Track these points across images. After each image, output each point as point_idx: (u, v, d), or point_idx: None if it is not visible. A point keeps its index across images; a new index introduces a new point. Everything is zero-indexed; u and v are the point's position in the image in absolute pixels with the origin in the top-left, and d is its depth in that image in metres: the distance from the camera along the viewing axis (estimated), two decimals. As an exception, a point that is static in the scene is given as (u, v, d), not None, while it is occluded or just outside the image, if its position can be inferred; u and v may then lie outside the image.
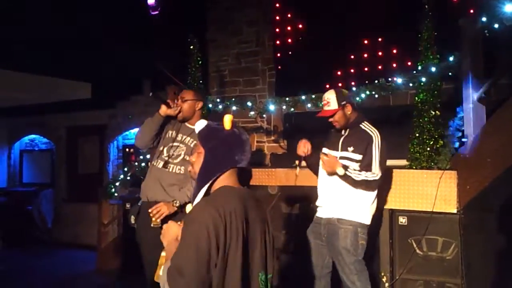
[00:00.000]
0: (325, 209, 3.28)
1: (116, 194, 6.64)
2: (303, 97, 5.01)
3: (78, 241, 8.12)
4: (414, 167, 3.89)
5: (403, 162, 4.01)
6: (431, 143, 3.86)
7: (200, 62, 5.42)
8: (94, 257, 6.67)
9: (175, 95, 3.38)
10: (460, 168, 3.66)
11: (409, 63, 4.97)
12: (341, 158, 3.17)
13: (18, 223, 8.28)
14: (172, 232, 1.82)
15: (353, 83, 4.97)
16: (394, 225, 3.82)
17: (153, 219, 3.01)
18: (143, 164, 6.31)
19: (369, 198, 3.17)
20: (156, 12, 5.04)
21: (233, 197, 1.72)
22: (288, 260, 4.34)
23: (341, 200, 3.17)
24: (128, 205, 5.76)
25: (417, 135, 3.92)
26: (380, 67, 5.45)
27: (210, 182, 1.78)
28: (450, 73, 4.01)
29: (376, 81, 4.40)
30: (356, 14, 5.57)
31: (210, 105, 5.53)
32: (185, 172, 3.12)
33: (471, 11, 4.69)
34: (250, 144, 1.88)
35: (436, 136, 3.88)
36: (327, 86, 4.26)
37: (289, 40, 6.42)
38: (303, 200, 3.99)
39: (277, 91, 6.23)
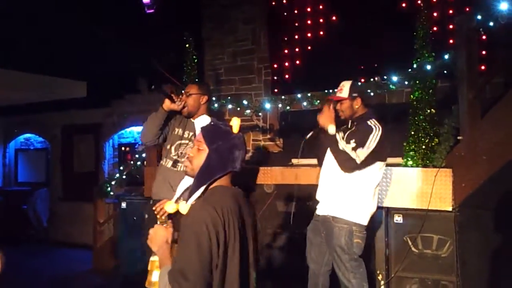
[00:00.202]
0: (322, 205, 3.30)
1: (111, 193, 6.61)
2: (299, 95, 5.01)
3: (74, 240, 8.08)
4: (409, 165, 3.89)
5: (399, 160, 4.01)
6: (427, 141, 3.86)
7: (195, 61, 5.38)
8: (90, 256, 6.65)
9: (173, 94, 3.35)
10: (456, 166, 3.67)
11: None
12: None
13: (13, 222, 8.23)
14: (160, 236, 1.81)
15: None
16: (389, 223, 3.82)
17: (158, 216, 3.02)
18: (138, 163, 6.29)
19: (366, 198, 3.17)
20: (152, 11, 5.03)
21: (229, 196, 1.73)
22: (283, 259, 4.33)
23: (338, 197, 3.18)
24: (124, 204, 5.73)
25: (412, 133, 3.92)
26: (375, 65, 5.44)
27: (210, 182, 1.77)
28: (445, 71, 4.01)
29: (371, 79, 4.40)
30: (355, 14, 5.58)
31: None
32: None
33: (467, 9, 4.71)
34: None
35: (432, 134, 3.88)
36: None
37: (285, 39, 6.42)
38: (299, 198, 3.97)
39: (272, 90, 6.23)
